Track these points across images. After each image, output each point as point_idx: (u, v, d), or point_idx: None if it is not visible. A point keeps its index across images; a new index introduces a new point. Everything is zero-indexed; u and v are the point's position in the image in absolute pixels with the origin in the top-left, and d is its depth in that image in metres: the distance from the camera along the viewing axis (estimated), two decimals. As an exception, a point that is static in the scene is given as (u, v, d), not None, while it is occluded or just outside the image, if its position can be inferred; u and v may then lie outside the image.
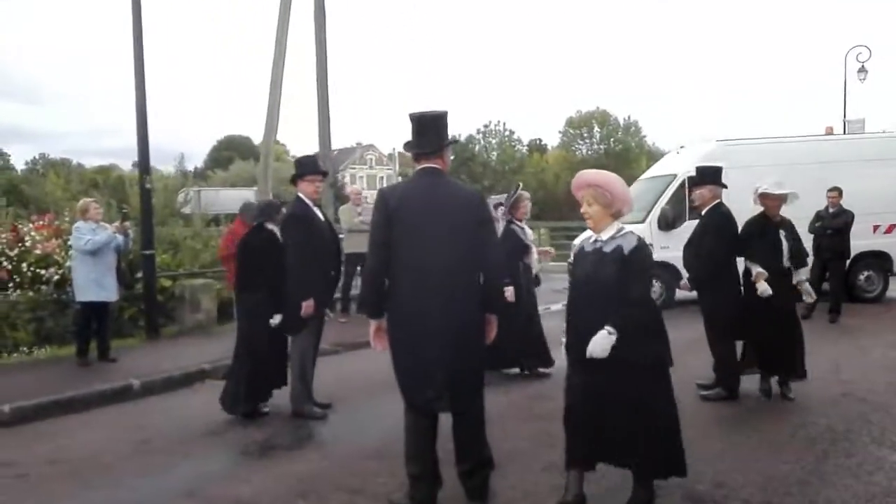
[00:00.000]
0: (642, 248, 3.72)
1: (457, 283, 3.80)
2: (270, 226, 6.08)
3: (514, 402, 6.14)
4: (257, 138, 77.89)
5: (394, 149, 45.54)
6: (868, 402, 5.86)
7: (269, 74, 14.54)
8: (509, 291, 6.12)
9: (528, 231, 7.17)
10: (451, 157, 4.17)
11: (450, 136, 4.13)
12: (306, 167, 5.93)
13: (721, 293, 6.01)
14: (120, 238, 7.98)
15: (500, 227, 6.61)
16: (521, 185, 8.61)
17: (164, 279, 9.90)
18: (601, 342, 3.55)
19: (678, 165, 12.07)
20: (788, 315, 6.04)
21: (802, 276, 6.22)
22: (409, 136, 3.98)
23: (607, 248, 3.72)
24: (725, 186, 6.24)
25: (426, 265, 3.75)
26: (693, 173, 11.00)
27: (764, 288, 5.82)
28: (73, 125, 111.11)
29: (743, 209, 6.27)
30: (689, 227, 10.68)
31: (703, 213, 6.23)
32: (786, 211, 6.37)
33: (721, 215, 6.06)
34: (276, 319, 5.69)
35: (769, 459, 4.64)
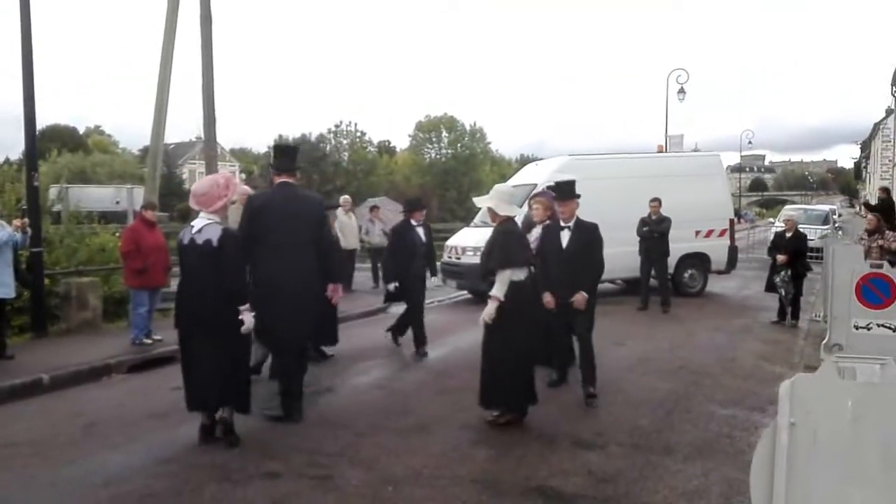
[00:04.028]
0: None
1: (303, 262, 5.47)
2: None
3: (424, 380, 7.11)
4: (82, 127, 71.57)
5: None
6: (700, 373, 7.37)
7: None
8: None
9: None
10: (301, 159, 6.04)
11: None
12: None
13: (594, 292, 6.53)
14: (18, 236, 8.04)
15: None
16: None
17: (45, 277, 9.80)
18: None
19: (537, 176, 13.40)
20: None
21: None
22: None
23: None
24: (580, 196, 6.64)
25: (283, 250, 5.39)
26: (551, 182, 12.50)
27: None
28: None
29: (586, 215, 6.60)
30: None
31: (570, 224, 6.43)
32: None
33: (595, 227, 6.44)
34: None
35: (631, 415, 5.91)
